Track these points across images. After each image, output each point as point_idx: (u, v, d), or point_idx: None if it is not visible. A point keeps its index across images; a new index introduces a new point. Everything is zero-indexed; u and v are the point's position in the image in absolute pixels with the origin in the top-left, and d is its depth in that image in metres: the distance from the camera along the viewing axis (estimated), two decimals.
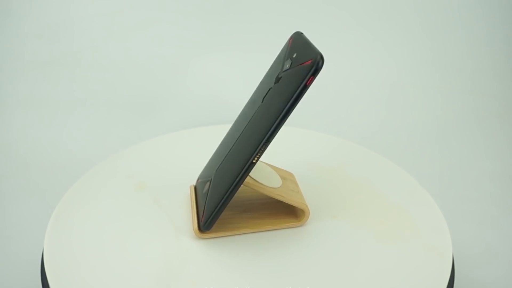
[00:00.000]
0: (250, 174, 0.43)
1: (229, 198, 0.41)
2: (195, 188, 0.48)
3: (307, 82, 0.37)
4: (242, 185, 0.41)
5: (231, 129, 0.47)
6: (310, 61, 0.37)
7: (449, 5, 1.03)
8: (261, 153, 0.40)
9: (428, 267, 0.42)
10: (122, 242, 0.43)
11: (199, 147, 0.55)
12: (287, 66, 0.41)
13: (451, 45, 1.03)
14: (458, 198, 0.71)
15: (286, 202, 0.45)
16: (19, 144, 0.80)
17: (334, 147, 0.60)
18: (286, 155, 0.56)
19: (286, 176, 0.48)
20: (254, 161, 0.40)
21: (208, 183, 0.45)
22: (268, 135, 0.39)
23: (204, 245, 0.43)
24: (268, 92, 0.42)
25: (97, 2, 1.00)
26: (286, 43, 0.43)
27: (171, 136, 0.62)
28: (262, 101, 0.42)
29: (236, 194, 0.42)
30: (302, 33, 0.43)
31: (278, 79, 0.41)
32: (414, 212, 0.49)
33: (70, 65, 0.96)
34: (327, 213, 0.48)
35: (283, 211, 0.47)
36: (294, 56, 0.40)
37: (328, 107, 0.92)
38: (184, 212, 0.47)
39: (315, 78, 0.37)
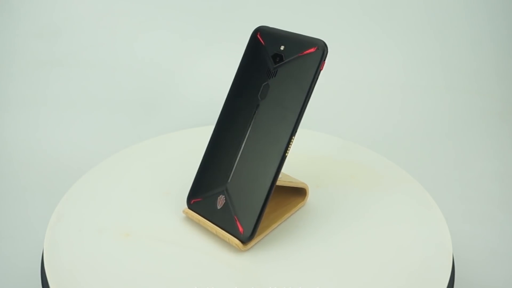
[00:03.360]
0: None
1: (268, 199, 0.40)
2: (192, 209, 0.45)
3: (320, 67, 0.40)
4: None
5: (220, 136, 0.44)
6: (315, 48, 0.40)
7: (450, 5, 1.03)
8: (291, 146, 0.40)
9: (428, 267, 0.42)
10: (124, 244, 0.43)
11: (188, 151, 0.55)
12: (278, 59, 0.42)
13: (452, 45, 1.03)
14: (458, 198, 0.71)
15: (295, 186, 0.47)
16: (19, 144, 0.80)
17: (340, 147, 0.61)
18: None
19: None
20: (286, 154, 0.40)
21: (223, 196, 0.42)
22: (295, 124, 0.40)
23: (249, 256, 0.42)
24: (263, 87, 0.42)
25: (97, 2, 1.00)
26: (254, 40, 0.44)
27: (162, 140, 0.61)
28: (261, 98, 0.42)
29: None
30: (266, 26, 0.44)
31: (273, 73, 0.42)
32: (413, 212, 0.49)
33: (70, 65, 0.96)
34: (310, 184, 0.50)
35: (280, 198, 0.48)
36: (283, 48, 0.42)
37: (327, 107, 0.92)
38: (196, 236, 0.44)
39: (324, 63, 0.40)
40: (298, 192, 0.48)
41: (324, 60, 0.40)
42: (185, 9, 1.01)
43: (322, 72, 0.40)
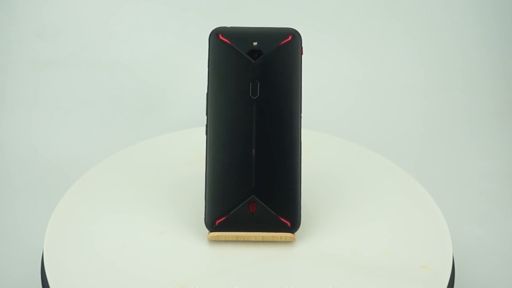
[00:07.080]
0: None
1: (301, 184, 0.42)
2: (220, 230, 0.42)
3: (301, 52, 0.42)
4: None
5: (222, 144, 0.42)
6: (290, 36, 0.42)
7: (449, 4, 1.03)
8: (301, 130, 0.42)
9: (428, 267, 0.42)
10: (126, 245, 0.42)
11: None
12: (256, 55, 0.43)
13: (451, 45, 1.03)
14: (458, 198, 0.71)
15: None
16: (18, 144, 0.80)
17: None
18: None
19: None
20: (301, 141, 0.42)
21: (253, 202, 0.41)
22: (300, 109, 0.42)
23: (302, 242, 0.42)
24: (252, 85, 0.42)
25: (97, 2, 1.00)
26: (217, 42, 0.43)
27: (158, 143, 0.59)
28: (253, 95, 0.42)
29: None
30: (223, 27, 0.44)
31: (257, 70, 0.42)
32: (413, 212, 0.49)
33: (70, 65, 0.96)
34: None
35: None
36: (256, 44, 0.42)
37: (327, 107, 0.92)
38: (239, 253, 0.42)
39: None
40: None
41: (302, 45, 0.42)
42: (186, 9, 1.01)
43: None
